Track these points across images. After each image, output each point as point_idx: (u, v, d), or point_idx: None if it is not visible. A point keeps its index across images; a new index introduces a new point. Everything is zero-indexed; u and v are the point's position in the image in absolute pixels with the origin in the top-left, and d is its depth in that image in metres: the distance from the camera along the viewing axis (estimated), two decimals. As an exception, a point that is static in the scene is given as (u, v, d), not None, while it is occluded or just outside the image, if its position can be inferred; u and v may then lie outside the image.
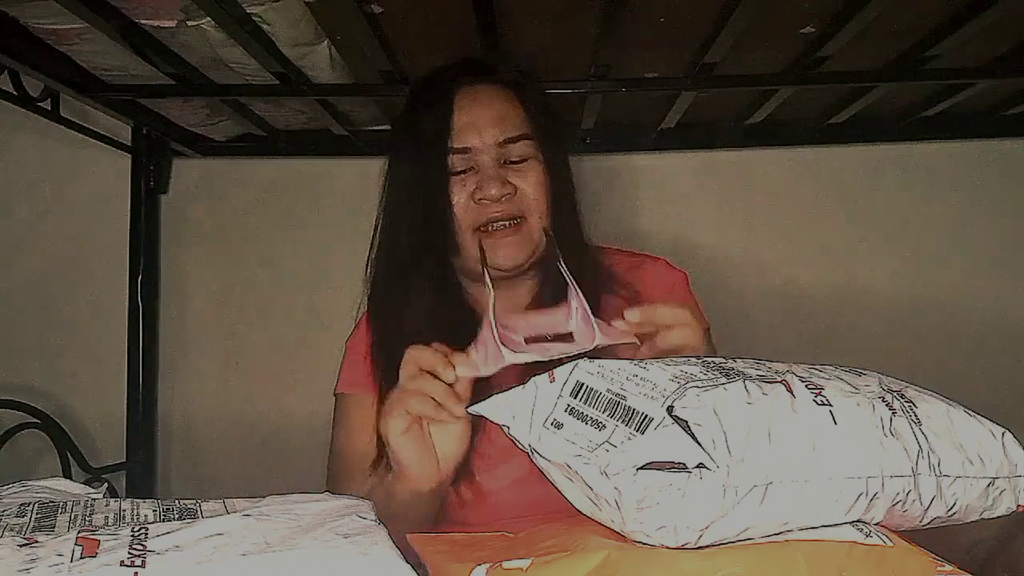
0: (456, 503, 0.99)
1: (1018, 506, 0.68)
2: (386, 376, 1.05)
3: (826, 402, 0.64)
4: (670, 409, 0.62)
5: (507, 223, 1.02)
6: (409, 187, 1.04)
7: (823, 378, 0.68)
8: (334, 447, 1.11)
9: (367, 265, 1.10)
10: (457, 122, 1.02)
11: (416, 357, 0.87)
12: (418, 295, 1.04)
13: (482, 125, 1.02)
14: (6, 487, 0.76)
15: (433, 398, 0.85)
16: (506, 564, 0.61)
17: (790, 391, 0.64)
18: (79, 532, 0.62)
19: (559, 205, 1.05)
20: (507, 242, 1.02)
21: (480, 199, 1.01)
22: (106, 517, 0.67)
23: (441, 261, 1.05)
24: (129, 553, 0.59)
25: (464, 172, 1.02)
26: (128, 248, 1.70)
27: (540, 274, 1.08)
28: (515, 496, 0.99)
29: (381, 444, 1.02)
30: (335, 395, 1.12)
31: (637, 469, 0.60)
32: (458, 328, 1.05)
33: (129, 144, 1.69)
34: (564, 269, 0.89)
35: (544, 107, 1.08)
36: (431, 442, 0.89)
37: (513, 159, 1.03)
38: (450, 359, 0.85)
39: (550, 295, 1.05)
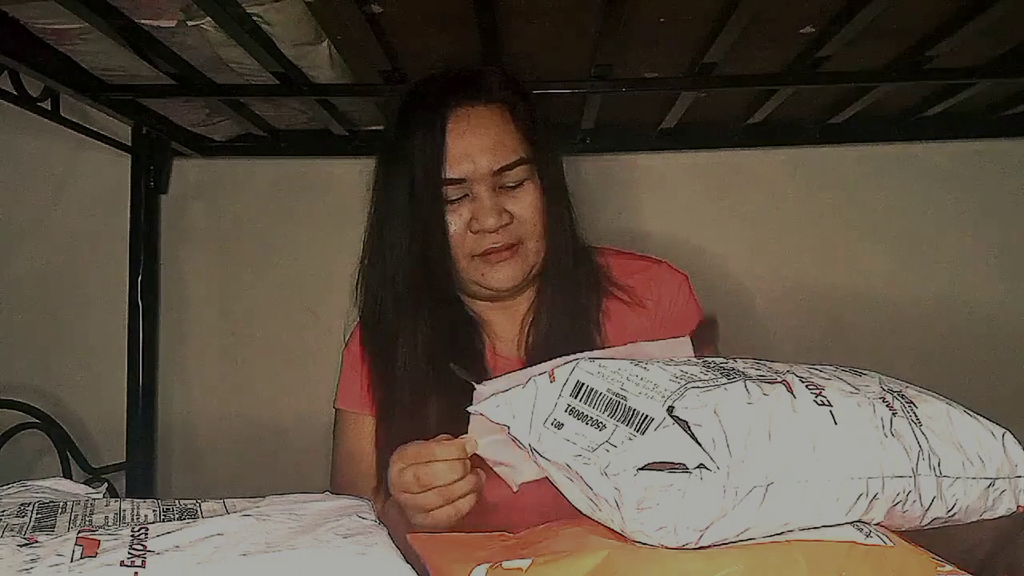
0: None
1: (1018, 507, 0.68)
2: (383, 401, 1.05)
3: (826, 402, 0.64)
4: (670, 409, 0.62)
5: (505, 249, 1.01)
6: (401, 216, 1.01)
7: (823, 378, 0.68)
8: (336, 468, 1.10)
9: (356, 287, 1.07)
10: (451, 151, 0.99)
11: (404, 457, 0.84)
12: (418, 321, 1.02)
13: (476, 153, 0.99)
14: (6, 487, 0.76)
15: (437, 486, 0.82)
16: (506, 564, 0.61)
17: (790, 391, 0.64)
18: (79, 532, 0.62)
19: (554, 218, 1.04)
20: (505, 265, 1.01)
21: (477, 230, 1.00)
22: (106, 517, 0.67)
23: (440, 288, 1.04)
24: (129, 553, 0.59)
25: (459, 200, 1.00)
26: (128, 248, 1.70)
27: (538, 286, 1.07)
28: (515, 500, 0.99)
29: (382, 470, 1.02)
30: (335, 408, 1.11)
31: (637, 469, 0.60)
32: (466, 342, 1.05)
33: (129, 144, 1.68)
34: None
35: (540, 122, 1.05)
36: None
37: (509, 184, 1.01)
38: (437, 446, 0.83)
39: (547, 305, 1.05)
